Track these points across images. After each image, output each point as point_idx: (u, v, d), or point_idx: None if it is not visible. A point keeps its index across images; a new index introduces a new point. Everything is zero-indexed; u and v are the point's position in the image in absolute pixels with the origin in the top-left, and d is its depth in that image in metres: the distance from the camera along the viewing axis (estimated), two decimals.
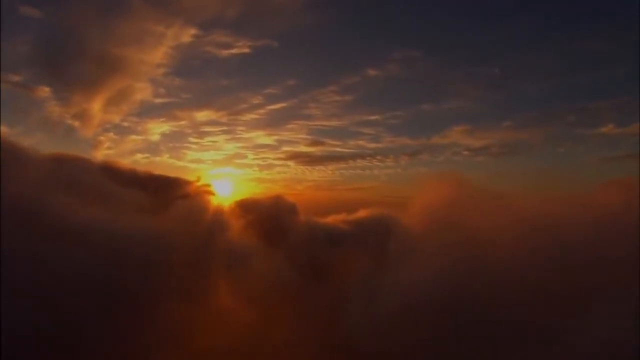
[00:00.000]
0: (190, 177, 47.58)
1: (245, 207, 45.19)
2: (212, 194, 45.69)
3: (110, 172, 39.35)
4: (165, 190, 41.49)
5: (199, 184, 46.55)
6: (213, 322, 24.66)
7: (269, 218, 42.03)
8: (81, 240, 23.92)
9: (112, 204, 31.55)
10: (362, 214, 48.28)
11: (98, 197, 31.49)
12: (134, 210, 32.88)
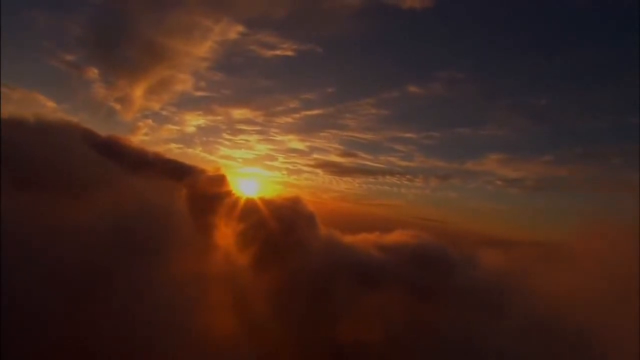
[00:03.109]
0: (207, 168, 44.15)
1: (253, 206, 38.91)
2: (224, 187, 39.69)
3: (113, 148, 36.54)
4: (171, 175, 37.34)
5: (210, 175, 41.36)
6: None
7: (277, 223, 31.90)
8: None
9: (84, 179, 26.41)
10: (401, 237, 35.51)
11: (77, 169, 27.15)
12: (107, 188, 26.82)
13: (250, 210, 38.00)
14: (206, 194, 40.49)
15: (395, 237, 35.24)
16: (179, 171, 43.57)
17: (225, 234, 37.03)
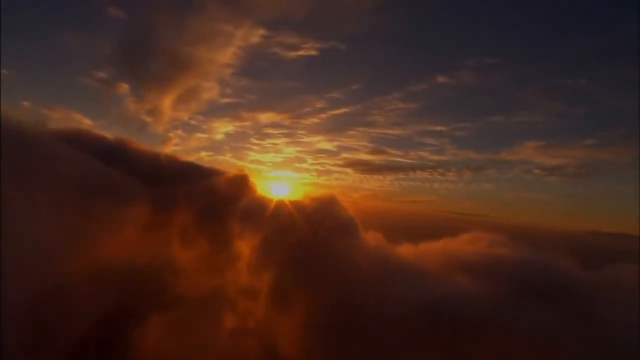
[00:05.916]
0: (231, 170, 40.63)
1: (281, 208, 31.42)
2: (246, 188, 36.03)
3: (124, 152, 33.54)
4: (187, 178, 34.04)
5: (231, 176, 37.35)
6: None
7: (310, 230, 24.19)
8: None
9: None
10: (481, 246, 24.92)
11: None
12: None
13: (277, 213, 31.71)
14: (225, 196, 34.81)
15: (472, 246, 24.90)
16: (195, 173, 38.91)
17: (246, 242, 30.80)
